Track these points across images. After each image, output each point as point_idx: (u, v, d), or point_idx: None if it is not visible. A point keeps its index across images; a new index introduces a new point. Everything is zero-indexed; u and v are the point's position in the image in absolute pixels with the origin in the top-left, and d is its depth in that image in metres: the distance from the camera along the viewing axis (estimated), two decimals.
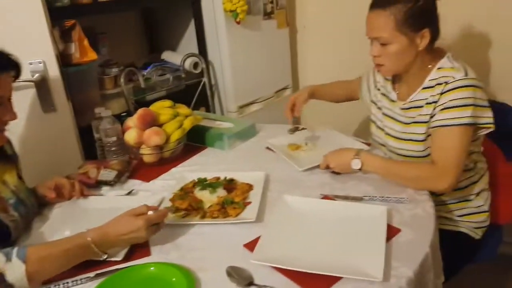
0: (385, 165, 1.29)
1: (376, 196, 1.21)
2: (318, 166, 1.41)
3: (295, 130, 1.64)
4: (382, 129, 1.48)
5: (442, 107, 1.25)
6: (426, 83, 1.33)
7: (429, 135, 1.31)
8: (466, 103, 1.21)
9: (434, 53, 1.33)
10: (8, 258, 0.92)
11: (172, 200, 1.26)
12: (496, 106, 1.28)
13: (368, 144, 1.53)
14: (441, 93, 1.26)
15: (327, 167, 1.37)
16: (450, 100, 1.23)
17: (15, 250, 0.94)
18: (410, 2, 1.23)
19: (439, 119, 1.25)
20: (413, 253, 0.99)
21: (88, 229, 1.02)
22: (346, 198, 1.23)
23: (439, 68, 1.31)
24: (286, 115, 1.62)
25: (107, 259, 1.02)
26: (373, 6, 1.29)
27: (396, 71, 1.37)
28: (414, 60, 1.31)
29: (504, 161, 1.57)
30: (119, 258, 1.03)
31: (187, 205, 1.22)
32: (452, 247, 1.24)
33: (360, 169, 1.30)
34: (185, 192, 1.31)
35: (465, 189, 1.40)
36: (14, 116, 1.15)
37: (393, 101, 1.45)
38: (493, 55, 1.92)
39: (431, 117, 1.29)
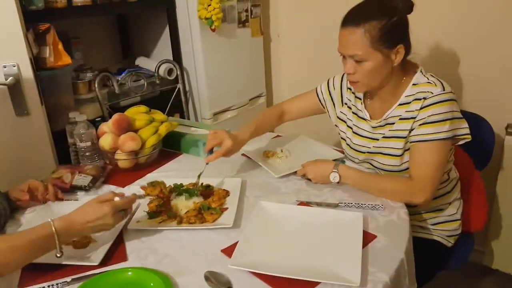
0: (363, 179, 1.31)
1: (351, 203, 1.23)
2: (294, 173, 1.43)
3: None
4: (350, 146, 1.47)
5: (421, 122, 1.25)
6: (403, 99, 1.32)
7: (406, 150, 1.31)
8: (445, 117, 1.23)
9: (406, 67, 1.33)
10: None
11: (149, 204, 1.26)
12: (468, 117, 1.31)
13: (343, 152, 1.55)
14: (420, 109, 1.26)
15: (304, 176, 1.39)
16: (429, 116, 1.24)
17: None
18: (384, 19, 1.21)
19: (418, 134, 1.26)
20: (389, 259, 1.01)
21: (53, 219, 0.99)
22: (321, 204, 1.25)
23: (414, 84, 1.31)
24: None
25: (82, 263, 1.02)
26: (346, 22, 1.26)
27: (371, 87, 1.34)
28: (389, 76, 1.30)
29: (474, 169, 1.62)
30: (95, 262, 1.02)
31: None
32: (425, 254, 1.26)
33: (338, 182, 1.32)
34: (162, 197, 1.31)
35: (439, 199, 1.43)
36: None
37: (363, 119, 1.43)
38: (456, 67, 2.01)
39: (410, 132, 1.29)
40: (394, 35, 1.24)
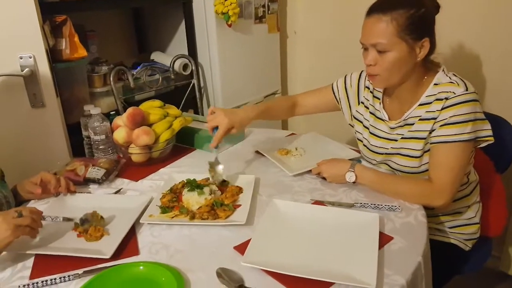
0: (380, 179, 1.27)
1: (367, 203, 1.20)
2: (308, 172, 1.41)
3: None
4: (368, 148, 1.44)
5: (442, 123, 1.22)
6: (423, 99, 1.28)
7: (426, 151, 1.28)
8: (467, 118, 1.19)
9: (428, 66, 1.30)
10: None
11: (161, 199, 1.26)
12: (489, 118, 1.27)
13: (359, 151, 1.53)
14: (441, 109, 1.22)
15: (319, 174, 1.37)
16: (451, 116, 1.20)
17: None
18: (413, 8, 1.18)
19: (439, 135, 1.22)
20: (405, 262, 0.99)
21: None
22: (336, 204, 1.23)
23: (435, 84, 1.26)
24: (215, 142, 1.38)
25: (94, 256, 1.01)
26: (373, 10, 1.23)
27: (391, 82, 1.29)
28: (410, 72, 1.26)
29: (495, 172, 1.57)
30: (107, 256, 1.01)
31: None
32: (441, 257, 1.23)
33: (354, 182, 1.29)
34: (174, 192, 1.30)
35: (457, 202, 1.39)
36: None
37: (382, 120, 1.40)
38: (478, 68, 1.97)
39: (430, 133, 1.26)
40: (421, 26, 1.20)
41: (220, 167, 1.36)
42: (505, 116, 1.59)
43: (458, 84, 1.22)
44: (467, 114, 1.19)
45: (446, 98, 1.22)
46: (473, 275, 1.46)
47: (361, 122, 1.47)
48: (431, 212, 1.37)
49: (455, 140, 1.20)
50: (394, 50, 1.21)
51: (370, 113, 1.44)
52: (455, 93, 1.21)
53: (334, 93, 1.56)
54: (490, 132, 1.24)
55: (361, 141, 1.47)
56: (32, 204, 1.29)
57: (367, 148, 1.44)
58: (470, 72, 1.94)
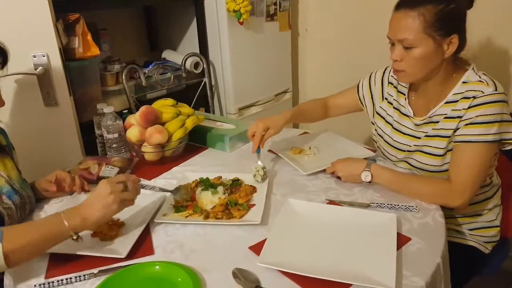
0: (397, 179, 1.25)
1: (384, 203, 1.19)
2: (322, 171, 1.39)
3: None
4: (389, 143, 1.41)
5: (467, 122, 1.19)
6: (450, 97, 1.25)
7: (449, 150, 1.25)
8: (494, 119, 1.16)
9: (457, 63, 1.26)
10: None
11: (175, 198, 1.25)
12: None
13: (374, 151, 1.51)
14: (468, 108, 1.19)
15: (333, 173, 1.35)
16: (477, 116, 1.17)
17: None
18: (441, 4, 1.15)
19: (463, 134, 1.19)
20: (424, 263, 0.97)
21: (63, 213, 0.99)
22: (352, 204, 1.21)
23: (464, 82, 1.24)
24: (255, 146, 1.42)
25: (109, 256, 1.01)
26: (401, 5, 1.20)
27: (417, 78, 1.26)
28: (438, 69, 1.23)
29: None
30: (122, 255, 1.01)
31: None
32: (460, 259, 1.19)
33: (369, 182, 1.28)
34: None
35: (479, 204, 1.36)
36: (1, 103, 1.15)
37: (406, 116, 1.37)
38: (505, 66, 1.93)
39: (455, 131, 1.23)
40: (450, 23, 1.17)
41: (262, 169, 1.35)
42: None
43: (487, 84, 1.19)
44: (494, 114, 1.16)
45: (474, 97, 1.19)
46: (489, 276, 1.43)
47: (384, 118, 1.44)
48: (449, 214, 1.34)
49: (479, 140, 1.17)
50: (421, 46, 1.18)
51: (394, 108, 1.41)
52: (483, 92, 1.18)
53: (358, 93, 1.54)
54: None
55: (382, 137, 1.44)
56: (46, 201, 1.29)
57: (389, 143, 1.41)
58: (495, 69, 1.91)
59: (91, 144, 1.64)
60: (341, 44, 2.51)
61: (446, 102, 1.26)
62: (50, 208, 1.26)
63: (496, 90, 1.18)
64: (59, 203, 1.28)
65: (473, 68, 1.26)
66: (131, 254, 1.02)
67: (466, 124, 1.19)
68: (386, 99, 1.45)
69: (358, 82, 1.55)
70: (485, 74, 1.24)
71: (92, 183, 1.36)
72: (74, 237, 0.99)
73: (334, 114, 1.62)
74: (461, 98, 1.22)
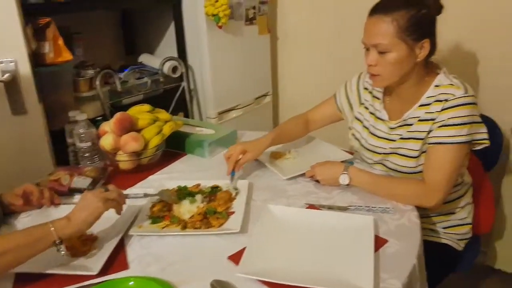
0: (373, 181, 1.27)
1: (361, 206, 1.20)
2: (302, 175, 1.38)
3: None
4: (364, 146, 1.43)
5: (440, 124, 1.22)
6: (423, 100, 1.28)
7: (423, 152, 1.28)
8: (465, 121, 1.20)
9: (429, 67, 1.30)
10: None
11: (151, 208, 1.21)
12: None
13: (351, 153, 1.52)
14: (441, 110, 1.23)
15: (312, 177, 1.34)
16: (449, 118, 1.21)
17: None
18: (414, 9, 1.18)
19: (436, 136, 1.23)
20: (401, 265, 0.98)
21: (55, 228, 0.96)
22: (331, 207, 1.21)
23: (436, 86, 1.27)
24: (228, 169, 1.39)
25: (79, 273, 0.96)
26: (375, 11, 1.23)
27: (391, 82, 1.29)
28: (411, 73, 1.26)
29: (484, 172, 1.59)
30: (94, 271, 0.96)
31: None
32: (435, 258, 1.23)
33: (347, 184, 1.28)
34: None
35: (452, 203, 1.40)
36: None
37: (381, 120, 1.39)
38: (465, 68, 1.96)
39: (428, 133, 1.26)
40: (421, 27, 1.20)
41: (234, 190, 1.31)
42: (489, 115, 1.60)
43: (458, 87, 1.23)
44: (465, 116, 1.20)
45: (446, 100, 1.22)
46: (464, 271, 1.48)
47: (362, 122, 1.46)
48: (424, 213, 1.37)
49: (451, 141, 1.20)
50: (394, 50, 1.21)
51: (370, 113, 1.43)
52: (454, 95, 1.21)
53: (336, 102, 1.55)
54: (486, 135, 1.25)
55: (359, 141, 1.45)
56: (14, 217, 1.23)
57: (364, 147, 1.43)
58: (457, 72, 1.95)
59: (62, 153, 1.58)
60: (320, 47, 2.51)
61: (420, 105, 1.29)
62: (18, 223, 1.20)
63: (466, 92, 1.22)
64: (27, 217, 1.22)
65: (444, 72, 1.29)
66: (104, 270, 0.97)
67: (439, 126, 1.22)
68: (362, 104, 1.47)
69: (335, 92, 1.56)
70: (455, 78, 1.27)
71: (63, 195, 1.30)
72: (57, 242, 0.95)
73: (315, 128, 1.61)
74: (434, 101, 1.25)
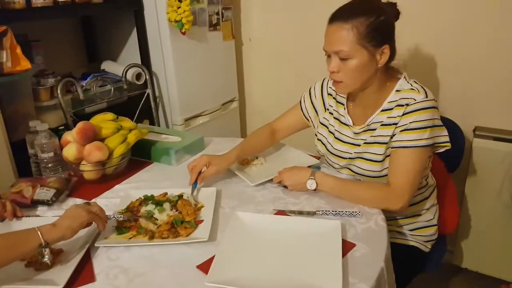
0: (340, 186, 1.28)
1: (329, 211, 1.21)
2: (270, 181, 1.39)
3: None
4: (330, 151, 1.44)
5: (402, 128, 1.24)
6: (385, 105, 1.30)
7: (387, 156, 1.30)
8: (426, 125, 1.22)
9: (390, 72, 1.32)
10: None
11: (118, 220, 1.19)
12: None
13: (318, 158, 1.53)
14: (402, 115, 1.25)
15: (280, 183, 1.36)
16: (411, 122, 1.23)
17: None
18: (372, 16, 1.20)
19: (399, 140, 1.24)
20: (369, 268, 0.99)
21: (41, 231, 0.97)
22: (299, 213, 1.22)
23: (397, 90, 1.29)
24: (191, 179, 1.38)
25: (44, 287, 0.95)
26: (334, 19, 1.24)
27: (354, 88, 1.30)
28: (372, 78, 1.28)
29: (447, 173, 1.63)
30: (60, 285, 0.94)
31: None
32: (402, 260, 1.25)
33: (314, 189, 1.30)
34: (131, 211, 1.23)
35: (417, 205, 1.42)
36: None
37: (346, 125, 1.40)
38: (426, 71, 2.02)
39: (391, 137, 1.28)
40: (381, 34, 1.22)
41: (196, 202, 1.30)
42: (451, 117, 1.66)
43: (418, 91, 1.25)
44: (426, 120, 1.22)
45: (407, 104, 1.24)
46: (432, 271, 1.50)
47: (327, 127, 1.47)
48: (391, 216, 1.40)
49: (414, 145, 1.22)
50: (356, 57, 1.22)
51: (335, 118, 1.44)
52: (415, 100, 1.24)
53: (302, 110, 1.55)
54: (447, 138, 1.27)
55: (325, 146, 1.46)
56: None
57: (330, 152, 1.44)
58: (418, 74, 2.00)
59: (24, 164, 1.53)
60: (285, 52, 2.53)
61: (382, 110, 1.31)
62: None
63: (426, 97, 1.24)
64: None
65: (405, 77, 1.32)
66: (70, 284, 0.96)
67: (401, 131, 1.25)
68: (327, 109, 1.48)
69: (300, 99, 1.57)
70: (416, 82, 1.30)
71: (25, 207, 1.27)
72: (43, 244, 0.95)
73: (282, 137, 1.61)
74: (396, 106, 1.28)
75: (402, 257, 1.25)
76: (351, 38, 1.20)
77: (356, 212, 1.20)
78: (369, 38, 1.21)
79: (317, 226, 1.13)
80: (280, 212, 1.23)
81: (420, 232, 1.45)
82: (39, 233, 0.96)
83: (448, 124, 1.60)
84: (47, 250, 0.96)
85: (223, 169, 1.42)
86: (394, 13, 1.27)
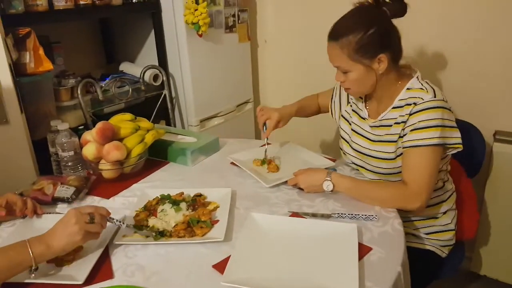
0: (356, 186, 1.29)
1: (345, 214, 1.20)
2: (284, 183, 1.40)
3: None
4: (350, 145, 1.48)
5: (411, 127, 1.26)
6: (396, 102, 1.33)
7: (398, 155, 1.32)
8: (435, 124, 1.23)
9: (401, 71, 1.35)
10: None
11: (135, 218, 1.22)
12: (458, 124, 1.30)
13: (334, 160, 1.54)
14: (410, 114, 1.27)
15: (295, 185, 1.36)
16: (419, 121, 1.24)
17: None
18: (360, 32, 1.23)
19: (410, 139, 1.26)
20: (385, 273, 0.99)
21: (28, 240, 0.97)
22: (314, 215, 1.22)
23: (408, 89, 1.32)
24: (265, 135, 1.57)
25: (65, 282, 0.97)
26: (328, 38, 1.31)
27: (363, 93, 1.39)
28: (380, 80, 1.31)
29: (466, 178, 1.61)
30: (80, 281, 0.96)
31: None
32: (418, 264, 1.24)
33: (331, 191, 1.30)
34: (149, 210, 1.26)
35: (433, 208, 1.42)
36: None
37: (363, 118, 1.45)
38: (445, 74, 2.00)
39: (400, 137, 1.30)
40: (373, 46, 1.25)
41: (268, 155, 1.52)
42: (471, 121, 1.64)
43: (427, 91, 1.27)
44: (434, 119, 1.23)
45: (415, 104, 1.27)
46: (449, 277, 1.48)
47: (347, 120, 1.51)
48: (407, 218, 1.40)
49: (424, 144, 1.24)
50: (353, 70, 1.29)
51: (353, 111, 1.50)
52: (423, 99, 1.26)
53: (332, 96, 1.62)
54: (459, 140, 1.27)
55: (344, 138, 1.51)
56: None
57: (351, 146, 1.48)
58: (436, 78, 2.00)
59: (45, 162, 1.57)
60: (300, 54, 2.54)
61: (393, 108, 1.34)
62: (3, 232, 1.20)
63: (434, 96, 1.26)
64: (11, 227, 1.22)
65: (417, 76, 1.34)
66: (89, 280, 0.98)
67: (411, 130, 1.26)
68: (349, 103, 1.54)
69: (334, 86, 1.63)
70: (427, 83, 1.31)
71: (46, 204, 1.30)
72: (34, 267, 0.96)
73: (323, 112, 1.72)
74: (405, 104, 1.30)
75: (417, 261, 1.24)
76: (344, 56, 1.27)
77: (372, 215, 1.19)
78: (360, 53, 1.25)
79: (333, 229, 1.12)
80: (295, 214, 1.23)
81: (437, 236, 1.44)
82: (32, 258, 0.95)
83: (468, 128, 1.61)
84: (36, 272, 0.97)
85: (286, 121, 1.58)
86: (398, 8, 1.29)
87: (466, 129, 1.57)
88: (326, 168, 1.41)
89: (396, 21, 1.30)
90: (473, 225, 1.59)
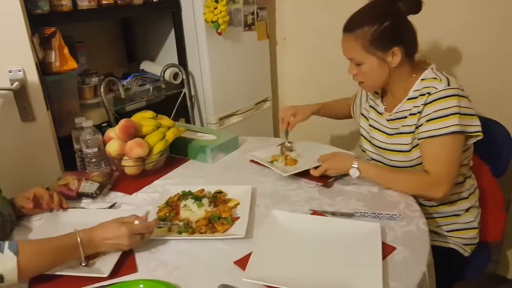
0: (381, 172, 1.33)
1: (367, 213, 1.19)
2: (303, 176, 1.41)
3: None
4: (369, 141, 1.49)
5: (427, 118, 1.26)
6: (411, 93, 1.34)
7: (414, 146, 1.32)
8: (451, 112, 1.23)
9: (416, 64, 1.36)
10: (0, 250, 0.91)
11: (158, 213, 1.24)
12: (485, 123, 1.30)
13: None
14: (424, 104, 1.27)
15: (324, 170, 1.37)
16: (434, 111, 1.25)
17: (6, 243, 0.93)
18: (375, 24, 1.26)
19: (426, 130, 1.26)
20: (410, 273, 0.98)
21: (76, 230, 1.02)
22: (336, 214, 1.22)
23: (422, 79, 1.32)
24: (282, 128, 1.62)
25: (91, 275, 0.99)
26: (343, 30, 1.33)
27: (376, 86, 1.41)
28: (394, 73, 1.33)
29: (491, 176, 1.58)
30: (105, 274, 0.99)
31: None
32: (441, 263, 1.23)
33: (357, 177, 1.33)
34: (171, 205, 1.28)
35: (454, 204, 1.41)
36: None
37: (380, 113, 1.47)
38: (473, 73, 1.96)
39: (416, 127, 1.30)
40: (387, 39, 1.28)
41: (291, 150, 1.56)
42: (499, 119, 1.60)
43: (441, 80, 1.28)
44: (450, 108, 1.24)
45: (429, 93, 1.27)
46: (471, 279, 1.45)
47: (366, 117, 1.54)
48: (428, 214, 1.39)
49: (441, 133, 1.24)
50: (366, 62, 1.31)
51: (370, 106, 1.52)
52: (437, 89, 1.26)
53: (356, 96, 1.65)
54: (479, 128, 1.27)
55: (363, 135, 1.54)
56: (26, 219, 1.26)
57: (369, 141, 1.50)
58: (463, 76, 1.96)
59: (70, 159, 1.61)
60: (319, 52, 2.53)
61: (408, 99, 1.35)
62: (31, 225, 1.24)
63: (448, 85, 1.26)
64: (39, 220, 1.26)
65: (432, 68, 1.34)
66: (114, 273, 1.01)
67: (427, 121, 1.27)
68: (367, 100, 1.56)
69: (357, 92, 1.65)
70: (442, 73, 1.32)
71: (71, 199, 1.34)
72: (83, 264, 1.02)
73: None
74: (419, 95, 1.31)
75: (440, 260, 1.22)
76: (358, 47, 1.29)
77: (396, 215, 1.17)
78: (374, 45, 1.27)
79: (355, 228, 1.12)
80: (316, 213, 1.23)
81: (459, 234, 1.42)
82: (82, 253, 1.01)
83: (494, 126, 1.57)
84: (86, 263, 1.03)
85: (307, 117, 1.61)
86: (413, 6, 1.29)
87: (492, 127, 1.54)
88: None
89: (418, 17, 1.31)
90: (499, 226, 1.56)
